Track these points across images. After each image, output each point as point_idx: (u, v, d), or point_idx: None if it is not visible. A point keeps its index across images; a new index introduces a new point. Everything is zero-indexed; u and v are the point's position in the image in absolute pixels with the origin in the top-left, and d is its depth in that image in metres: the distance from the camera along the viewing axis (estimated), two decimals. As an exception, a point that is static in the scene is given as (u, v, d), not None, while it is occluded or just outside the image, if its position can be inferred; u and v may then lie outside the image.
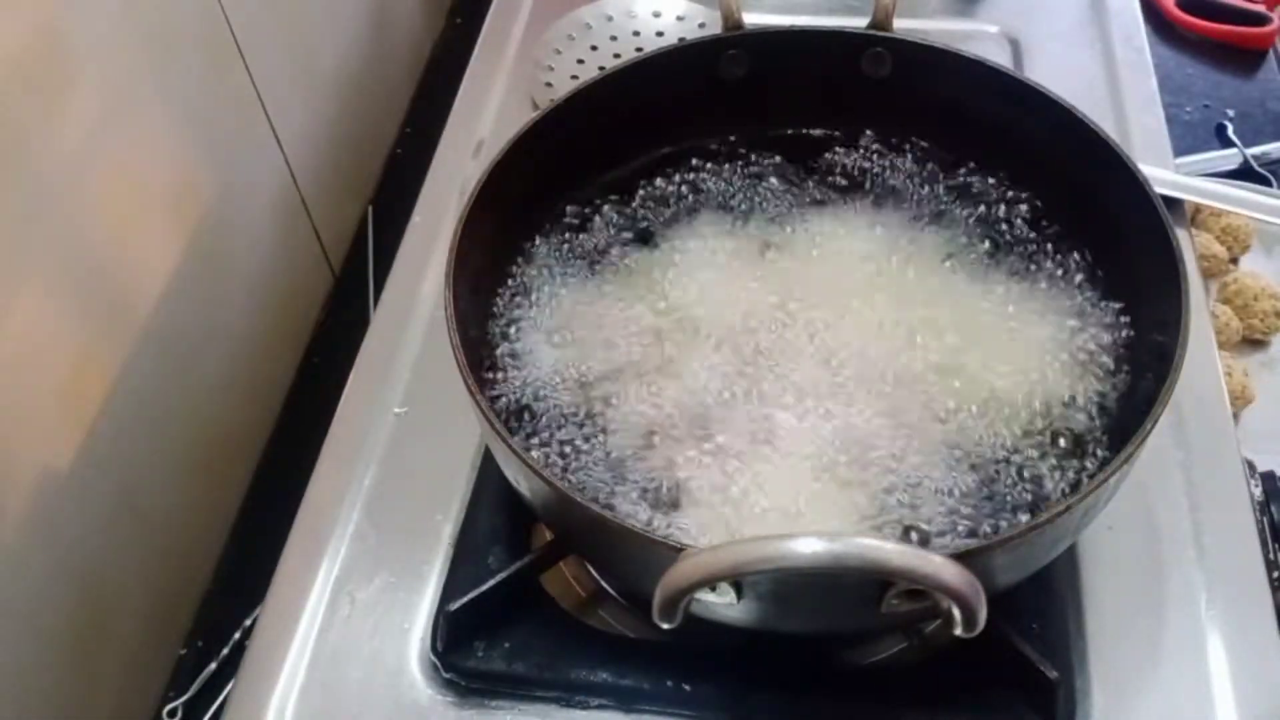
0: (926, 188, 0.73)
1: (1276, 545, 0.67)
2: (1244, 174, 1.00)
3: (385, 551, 0.67)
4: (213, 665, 0.77)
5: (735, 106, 0.75)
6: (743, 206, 0.73)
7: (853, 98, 0.74)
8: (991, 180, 0.73)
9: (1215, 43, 1.10)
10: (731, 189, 0.74)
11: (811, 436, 0.61)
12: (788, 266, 0.70)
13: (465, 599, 0.61)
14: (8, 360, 0.62)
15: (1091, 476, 0.59)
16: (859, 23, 0.73)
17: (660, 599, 0.45)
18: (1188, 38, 1.11)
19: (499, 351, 0.66)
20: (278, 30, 0.88)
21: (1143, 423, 0.52)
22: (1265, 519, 0.68)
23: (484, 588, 0.61)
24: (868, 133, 0.75)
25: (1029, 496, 0.59)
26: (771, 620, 0.53)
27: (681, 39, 0.92)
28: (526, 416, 0.63)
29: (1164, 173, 0.82)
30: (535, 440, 0.62)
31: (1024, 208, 0.71)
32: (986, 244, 0.70)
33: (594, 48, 0.94)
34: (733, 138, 0.76)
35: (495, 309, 0.68)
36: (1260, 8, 1.11)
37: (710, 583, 0.45)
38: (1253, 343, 0.90)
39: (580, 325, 0.67)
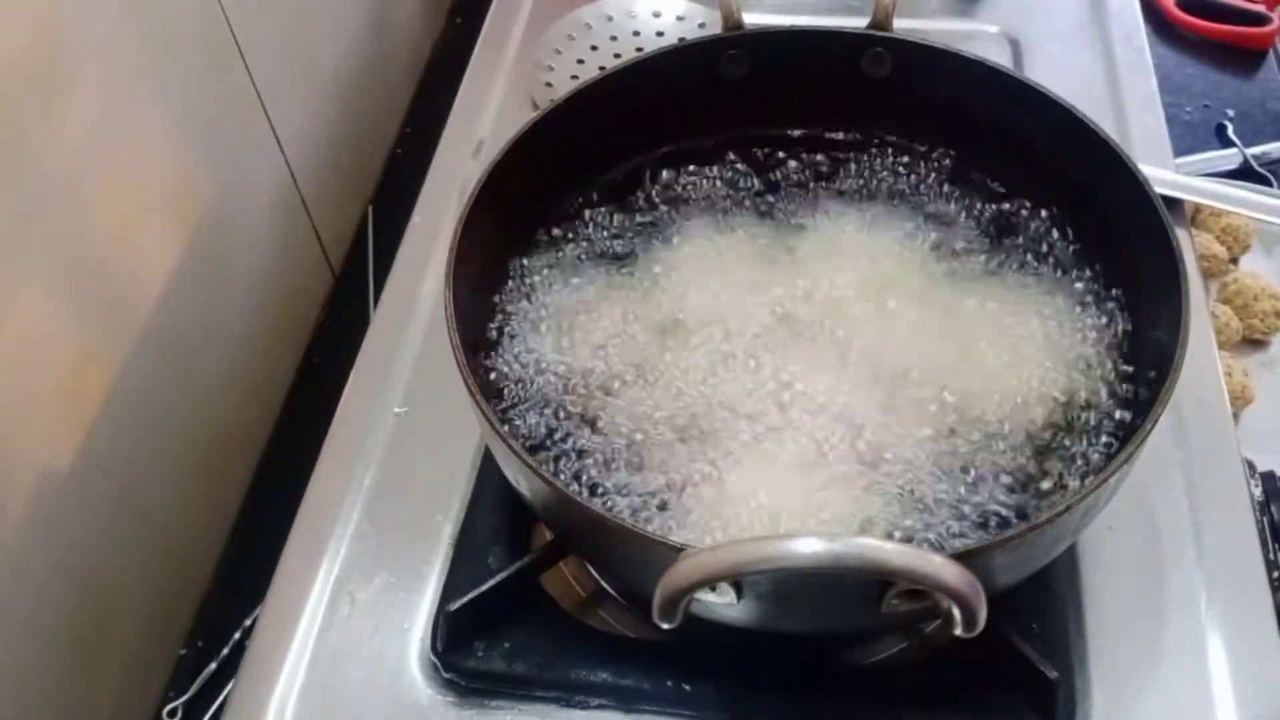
0: (926, 188, 0.73)
1: (1276, 545, 0.67)
2: (1244, 174, 1.00)
3: (385, 551, 0.67)
4: (213, 665, 0.77)
5: (735, 106, 0.75)
6: (742, 207, 0.73)
7: (853, 98, 0.74)
8: (991, 180, 0.73)
9: (1215, 43, 1.10)
10: (731, 189, 0.74)
11: (812, 436, 0.61)
12: (788, 266, 0.70)
13: (465, 599, 0.61)
14: (8, 360, 0.62)
15: (1091, 477, 0.59)
16: (859, 23, 0.73)
17: (660, 599, 0.45)
18: (1188, 38, 1.11)
19: (500, 352, 0.66)
20: (278, 30, 0.88)
21: (1143, 423, 0.53)
22: (1265, 519, 0.68)
23: (484, 588, 0.61)
24: (868, 133, 0.75)
25: (1029, 496, 0.59)
26: (771, 620, 0.53)
27: (681, 39, 0.92)
28: (526, 416, 0.63)
29: (1164, 173, 0.82)
30: (535, 440, 0.62)
31: (1024, 208, 0.71)
32: (986, 244, 0.70)
33: (594, 48, 0.94)
34: (732, 138, 0.76)
35: (495, 309, 0.68)
36: (1260, 8, 1.11)
37: (710, 583, 0.45)
38: (1253, 343, 0.90)
39: (580, 325, 0.67)
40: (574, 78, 0.91)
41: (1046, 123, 0.68)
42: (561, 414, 0.63)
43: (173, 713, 0.75)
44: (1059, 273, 0.68)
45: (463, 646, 0.62)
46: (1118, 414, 0.62)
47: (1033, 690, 0.58)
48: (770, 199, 0.74)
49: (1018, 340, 0.65)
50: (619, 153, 0.74)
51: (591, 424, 0.63)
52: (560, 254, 0.71)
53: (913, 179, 0.74)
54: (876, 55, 0.73)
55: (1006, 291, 0.68)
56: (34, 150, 0.62)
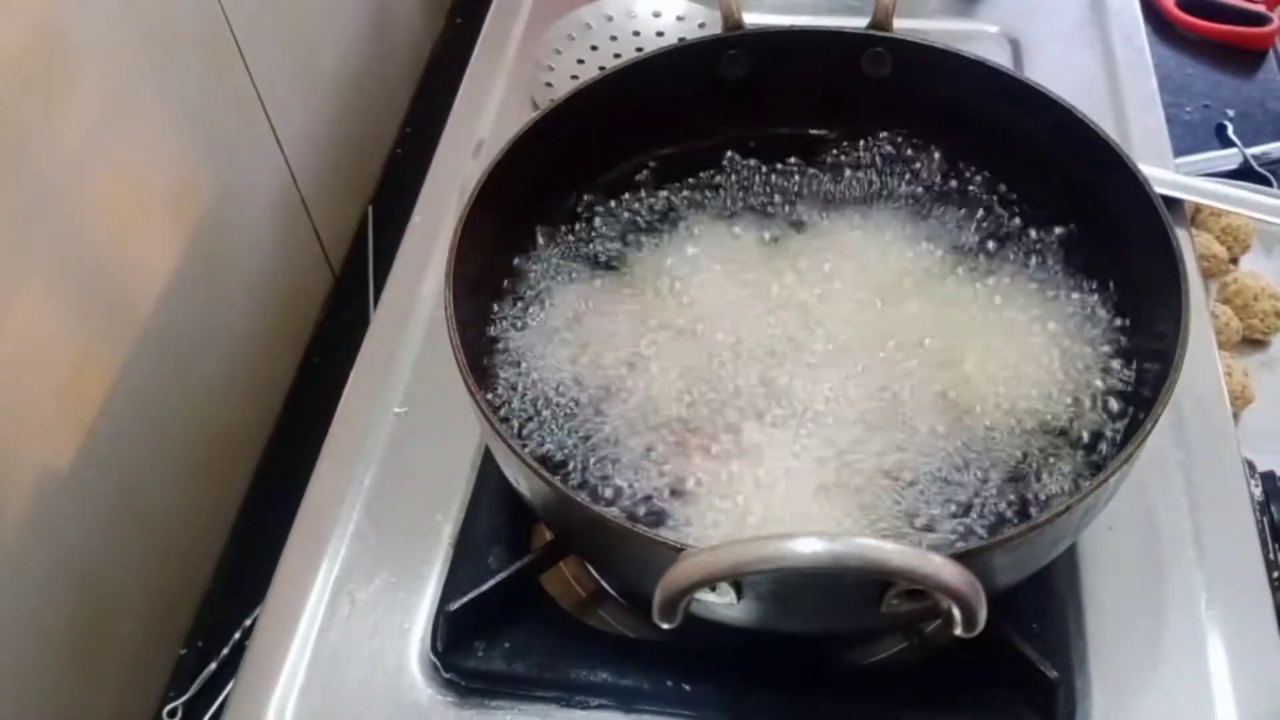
0: (926, 188, 0.73)
1: (1276, 545, 0.67)
2: (1244, 174, 1.00)
3: (385, 551, 0.67)
4: (213, 665, 0.77)
5: (735, 106, 0.75)
6: (742, 207, 0.73)
7: (853, 98, 0.74)
8: (991, 180, 0.73)
9: (1215, 43, 1.10)
10: (731, 189, 0.74)
11: (813, 436, 0.61)
12: (788, 266, 0.70)
13: (465, 599, 0.61)
14: (8, 360, 0.62)
15: (1091, 476, 0.59)
16: (859, 23, 0.73)
17: (660, 599, 0.45)
18: (1188, 38, 1.11)
19: (499, 351, 0.66)
20: (278, 30, 0.88)
21: (1143, 423, 0.53)
22: (1265, 519, 0.68)
23: (484, 588, 0.61)
24: (868, 133, 0.75)
25: (1029, 496, 0.59)
26: (771, 620, 0.53)
27: (681, 39, 0.92)
28: (527, 416, 0.63)
29: (1164, 173, 0.82)
30: (535, 440, 0.62)
31: (1024, 208, 0.71)
32: (986, 244, 0.70)
33: (594, 48, 0.94)
34: (732, 138, 0.76)
35: (495, 309, 0.68)
36: (1260, 8, 1.11)
37: (710, 583, 0.45)
38: (1253, 343, 0.90)
39: (580, 325, 0.67)
40: (574, 78, 0.91)
41: (1046, 123, 0.68)
42: (561, 414, 0.63)
43: (173, 713, 0.75)
44: (1059, 273, 0.68)
45: (463, 646, 0.62)
46: (1117, 413, 0.62)
47: (1033, 690, 0.57)
48: (770, 199, 0.74)
49: (1018, 340, 0.65)
50: (619, 153, 0.74)
51: (592, 423, 0.63)
52: (560, 254, 0.71)
53: (913, 179, 0.74)
54: (876, 55, 0.73)
55: (1006, 291, 0.68)
56: (34, 150, 0.62)
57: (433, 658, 0.62)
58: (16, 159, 0.61)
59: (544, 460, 0.61)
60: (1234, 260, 0.95)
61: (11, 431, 0.62)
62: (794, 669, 0.60)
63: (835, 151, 0.75)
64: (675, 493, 0.60)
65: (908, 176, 0.74)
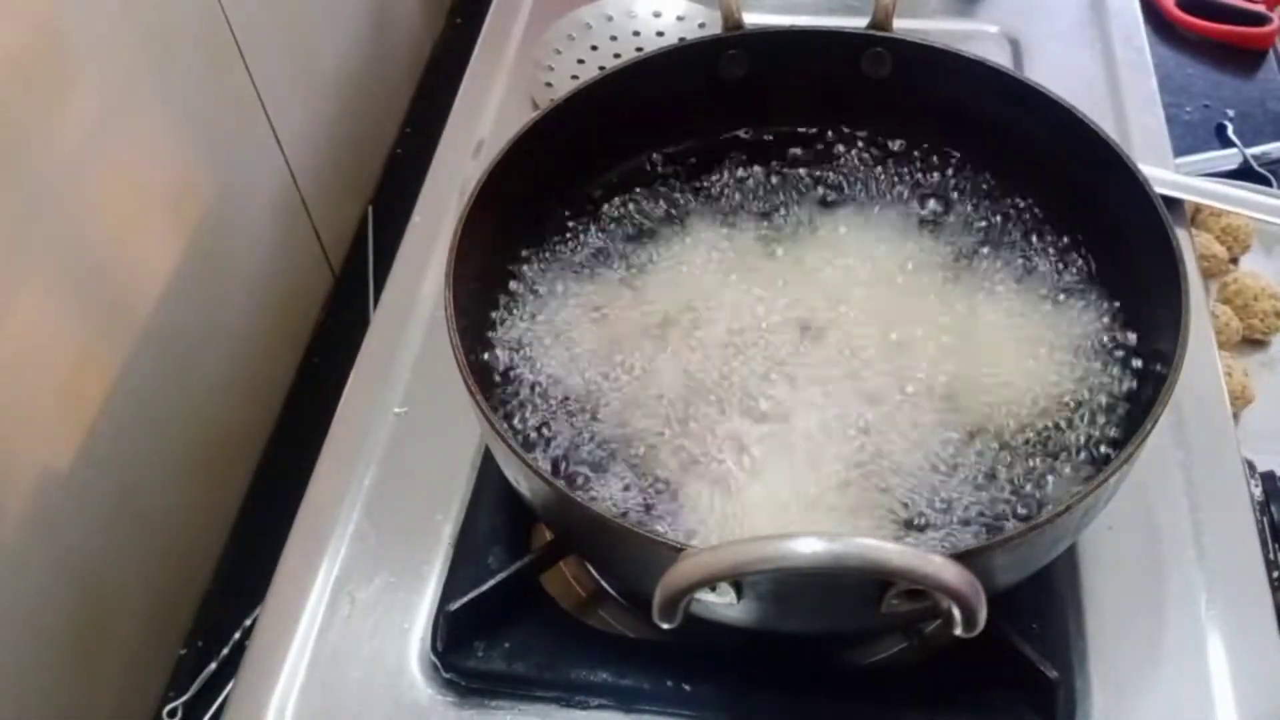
0: (926, 188, 0.73)
1: (1276, 545, 0.67)
2: (1244, 174, 1.00)
3: (385, 551, 0.67)
4: (213, 665, 0.77)
5: (735, 106, 0.75)
6: (742, 206, 0.73)
7: (853, 98, 0.74)
8: (991, 180, 0.73)
9: (1215, 43, 1.10)
10: (731, 189, 0.74)
11: (813, 436, 0.61)
12: (788, 266, 0.70)
13: (465, 599, 0.61)
14: (8, 360, 0.62)
15: (1091, 477, 0.59)
16: (859, 23, 0.73)
17: (660, 599, 0.45)
18: (1188, 38, 1.11)
19: (499, 351, 0.66)
20: (278, 30, 0.88)
21: (1143, 423, 0.53)
22: (1265, 519, 0.68)
23: (484, 588, 0.61)
24: (868, 133, 0.75)
25: (1029, 496, 0.59)
26: (771, 620, 0.53)
27: (681, 39, 0.92)
28: (526, 416, 0.63)
29: (1164, 173, 0.82)
30: (535, 440, 0.62)
31: (1024, 208, 0.71)
32: (986, 244, 0.70)
33: (594, 48, 0.94)
34: (732, 138, 0.76)
35: (495, 309, 0.68)
36: (1260, 8, 1.11)
37: (710, 583, 0.45)
38: (1253, 343, 0.90)
39: (580, 325, 0.67)
40: (574, 78, 0.91)
41: (1046, 123, 0.68)
42: (561, 413, 0.63)
43: (173, 713, 0.75)
44: (1059, 273, 0.68)
45: (463, 646, 0.62)
46: (1118, 414, 0.62)
47: (1033, 690, 0.58)
48: (770, 199, 0.74)
49: (1017, 339, 0.65)
50: (619, 153, 0.74)
51: (592, 423, 0.63)
52: (560, 253, 0.71)
53: (913, 179, 0.74)
54: (876, 55, 0.73)
55: (1006, 291, 0.68)
56: (34, 150, 0.62)
57: (433, 658, 0.62)
58: (16, 159, 0.61)
59: (544, 460, 0.61)
60: (1234, 260, 0.95)
61: (11, 431, 0.62)
62: (794, 669, 0.60)
63: (835, 152, 0.75)
64: (675, 493, 0.60)
65: (907, 176, 0.74)
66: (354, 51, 1.02)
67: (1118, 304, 0.66)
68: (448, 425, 0.70)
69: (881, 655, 0.63)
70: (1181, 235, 0.71)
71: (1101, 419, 0.62)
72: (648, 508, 0.59)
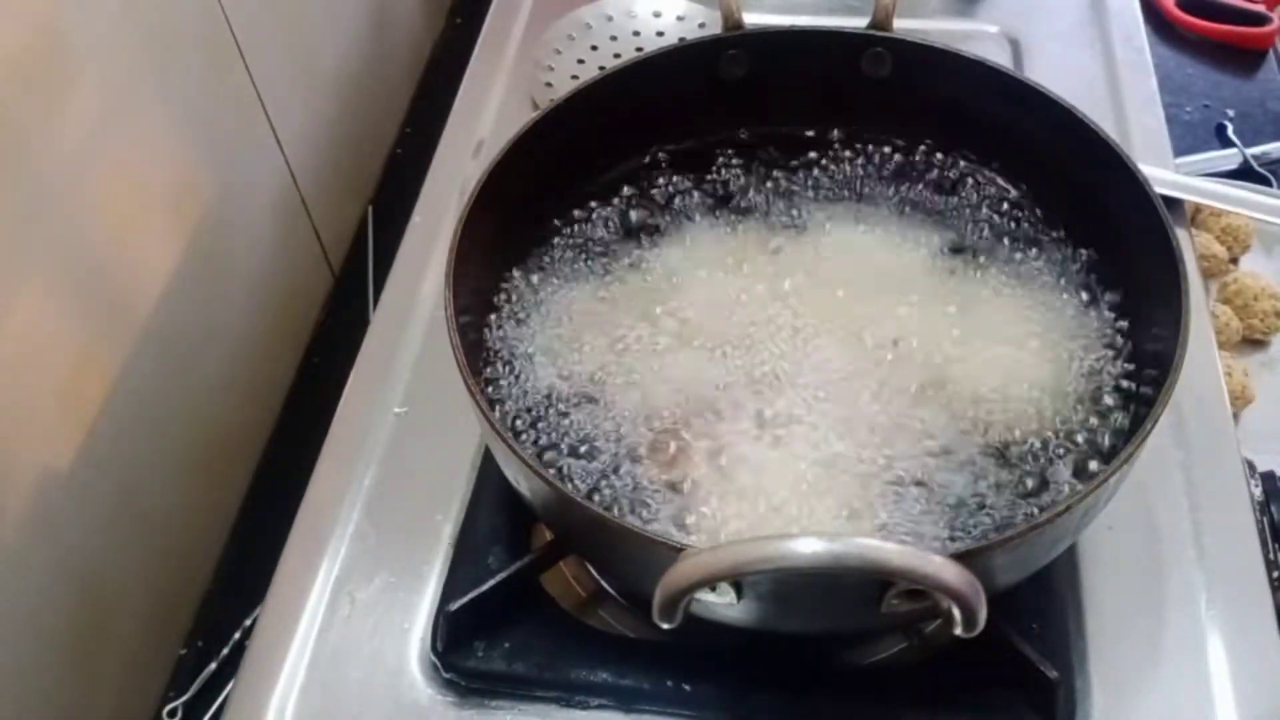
0: (926, 188, 0.73)
1: (1276, 545, 0.67)
2: (1244, 174, 1.00)
3: (385, 551, 0.67)
4: (213, 665, 0.77)
5: (735, 106, 0.75)
6: (742, 207, 0.73)
7: (853, 98, 0.74)
8: (991, 180, 0.73)
9: (1215, 43, 1.10)
10: (731, 189, 0.74)
11: (812, 437, 0.61)
12: (788, 267, 0.70)
13: (465, 599, 0.61)
14: (8, 360, 0.62)
15: (1091, 477, 0.59)
16: (859, 23, 0.73)
17: (660, 599, 0.45)
18: (1188, 38, 1.11)
19: (499, 351, 0.66)
20: (278, 30, 0.88)
21: (1143, 423, 0.53)
22: (1265, 519, 0.68)
23: (484, 588, 0.61)
24: (868, 133, 0.75)
25: (1029, 496, 0.59)
26: (771, 620, 0.53)
27: (681, 39, 0.92)
28: (526, 416, 0.63)
29: (1164, 173, 0.82)
30: (535, 440, 0.62)
31: (1024, 208, 0.71)
32: (986, 243, 0.70)
33: (594, 48, 0.94)
34: (732, 138, 0.76)
35: (495, 309, 0.68)
36: (1260, 8, 1.11)
37: (710, 583, 0.45)
38: (1253, 343, 0.90)
39: (580, 325, 0.67)
40: (574, 78, 0.91)
41: (1046, 123, 0.68)
42: (562, 413, 0.63)
43: (173, 713, 0.75)
44: (1058, 272, 0.68)
45: (463, 646, 0.62)
46: (1117, 414, 0.62)
47: (1033, 690, 0.57)
48: (770, 199, 0.74)
49: (1017, 339, 0.65)
50: (619, 153, 0.74)
51: (592, 423, 0.63)
52: (560, 254, 0.71)
53: (912, 179, 0.74)
54: (876, 55, 0.73)
55: (1006, 291, 0.68)
56: (34, 150, 0.62)
57: (433, 658, 0.62)
58: (16, 159, 0.61)
59: (544, 460, 0.61)
60: (1234, 260, 0.95)
61: (11, 431, 0.62)
62: (794, 669, 0.60)
63: (835, 151, 0.75)
64: (675, 492, 0.60)
65: (907, 176, 0.74)
66: (354, 51, 1.02)
67: (1118, 303, 0.66)
68: (448, 425, 0.70)
69: (881, 655, 0.63)
70: (1181, 235, 0.71)
71: (1101, 419, 0.62)
72: (647, 507, 0.59)
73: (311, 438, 0.72)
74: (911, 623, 0.62)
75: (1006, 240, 0.70)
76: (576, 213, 0.73)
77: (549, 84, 0.92)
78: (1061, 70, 0.91)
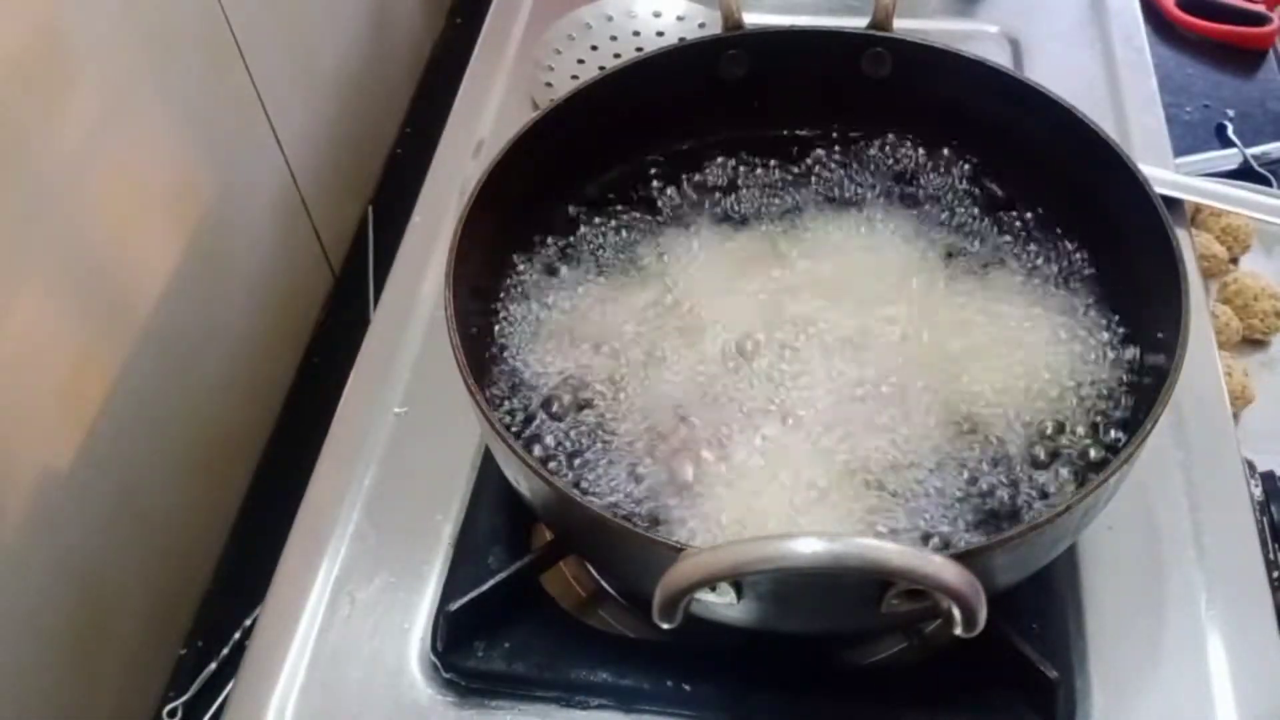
0: (926, 188, 0.73)
1: (1276, 545, 0.67)
2: (1244, 174, 1.00)
3: (385, 551, 0.67)
4: (213, 665, 0.77)
5: (735, 106, 0.75)
6: (742, 206, 0.73)
7: (853, 98, 0.74)
8: (991, 180, 0.73)
9: (1215, 43, 1.10)
10: (731, 189, 0.74)
11: (813, 438, 0.61)
12: (788, 267, 0.70)
13: (465, 599, 0.61)
14: (8, 360, 0.62)
15: (1091, 477, 0.59)
16: (859, 23, 0.73)
17: (660, 599, 0.45)
18: (1188, 38, 1.11)
19: (499, 351, 0.66)
20: (278, 30, 0.88)
21: (1143, 423, 0.53)
22: (1265, 519, 0.68)
23: (484, 588, 0.61)
24: (868, 133, 0.75)
25: (1029, 497, 0.59)
26: (771, 620, 0.53)
27: (681, 39, 0.92)
28: (527, 416, 0.63)
29: (1164, 173, 0.82)
30: (535, 440, 0.62)
31: (1024, 208, 0.71)
32: (986, 243, 0.70)
33: (594, 48, 0.94)
34: (732, 138, 0.76)
35: (495, 309, 0.68)
36: (1260, 8, 1.11)
37: (710, 583, 0.45)
38: (1253, 343, 0.90)
39: (580, 325, 0.67)
40: (574, 78, 0.91)
41: (1046, 123, 0.68)
42: (562, 413, 0.63)
43: (173, 713, 0.75)
44: (1059, 273, 0.68)
45: (463, 646, 0.62)
46: (1117, 414, 0.62)
47: (1033, 690, 0.57)
48: (770, 199, 0.74)
49: (1017, 339, 0.65)
50: (619, 153, 0.74)
51: (592, 423, 0.63)
52: (560, 254, 0.71)
53: (912, 179, 0.74)
54: (876, 55, 0.73)
55: (1006, 291, 0.68)
56: (34, 150, 0.62)
57: (433, 658, 0.62)
58: (16, 159, 0.61)
59: (544, 460, 0.61)
60: (1234, 260, 0.95)
61: (11, 431, 0.62)
62: (794, 669, 0.60)
63: (835, 151, 0.75)
64: (675, 492, 0.59)
65: (907, 177, 0.74)
66: (354, 51, 1.02)
67: (1118, 304, 0.66)
68: (448, 425, 0.70)
69: (881, 655, 0.63)
70: (1181, 235, 0.71)
71: (1101, 419, 0.62)
72: (648, 507, 0.59)
73: (311, 438, 0.72)
74: (911, 623, 0.62)
75: (1006, 240, 0.70)
76: (577, 213, 0.73)
77: (549, 84, 0.92)
78: (1061, 70, 0.91)
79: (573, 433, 0.62)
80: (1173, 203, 0.80)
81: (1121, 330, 0.65)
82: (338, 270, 1.01)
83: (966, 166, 0.74)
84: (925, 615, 0.53)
